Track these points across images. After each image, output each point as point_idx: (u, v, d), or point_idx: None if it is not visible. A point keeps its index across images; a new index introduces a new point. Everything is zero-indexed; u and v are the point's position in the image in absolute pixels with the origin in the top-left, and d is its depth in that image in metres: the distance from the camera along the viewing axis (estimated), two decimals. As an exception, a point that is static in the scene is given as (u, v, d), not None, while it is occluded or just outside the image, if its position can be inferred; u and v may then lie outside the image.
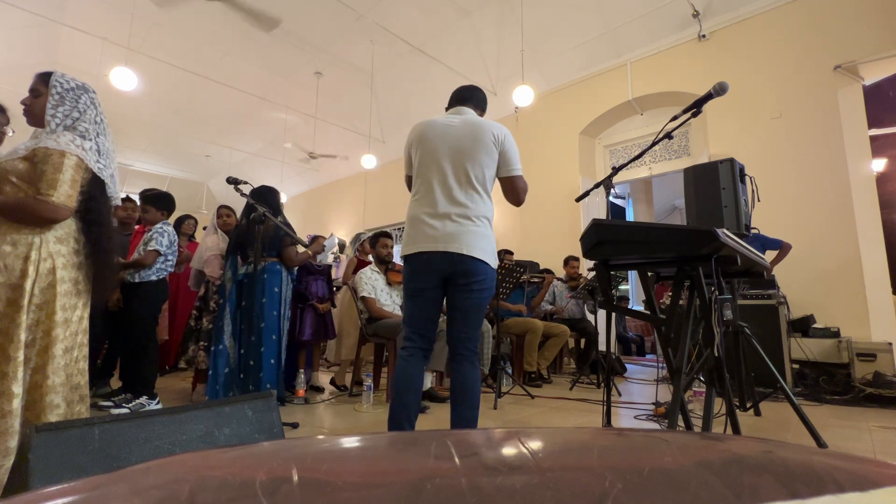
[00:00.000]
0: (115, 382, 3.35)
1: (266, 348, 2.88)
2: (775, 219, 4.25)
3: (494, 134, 1.74)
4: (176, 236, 3.08)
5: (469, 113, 1.84)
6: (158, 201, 3.09)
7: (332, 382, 3.87)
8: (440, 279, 1.69)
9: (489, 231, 1.74)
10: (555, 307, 4.88)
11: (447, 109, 1.91)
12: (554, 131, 6.39)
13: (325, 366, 4.99)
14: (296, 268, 3.33)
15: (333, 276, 4.20)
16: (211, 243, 3.25)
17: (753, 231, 3.67)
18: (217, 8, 5.34)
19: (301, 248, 3.03)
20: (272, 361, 2.91)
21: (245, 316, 2.91)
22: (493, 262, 1.75)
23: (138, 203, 3.34)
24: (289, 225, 2.91)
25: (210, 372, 2.90)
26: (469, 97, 1.90)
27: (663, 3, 4.98)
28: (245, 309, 2.93)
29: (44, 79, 1.56)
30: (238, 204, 3.14)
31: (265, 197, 2.97)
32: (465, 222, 1.68)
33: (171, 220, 3.24)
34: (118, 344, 3.33)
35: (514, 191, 1.80)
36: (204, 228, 3.56)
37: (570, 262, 5.00)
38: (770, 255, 3.93)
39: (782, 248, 3.86)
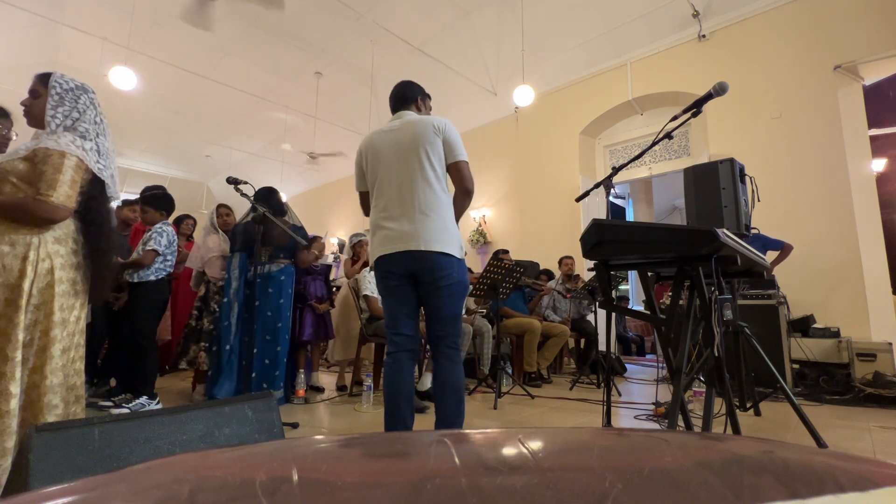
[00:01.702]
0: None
1: (282, 348, 2.99)
2: (775, 219, 4.25)
3: (434, 125, 1.74)
4: (175, 236, 3.08)
5: (409, 115, 1.84)
6: (157, 202, 3.09)
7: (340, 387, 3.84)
8: (407, 276, 1.70)
9: (447, 223, 1.71)
10: (562, 321, 4.76)
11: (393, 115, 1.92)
12: (554, 131, 6.39)
13: (325, 366, 4.98)
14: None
15: (332, 277, 4.21)
16: (212, 244, 3.25)
17: (754, 231, 3.67)
18: (218, 7, 5.34)
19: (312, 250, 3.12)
20: (285, 360, 3.02)
21: (259, 315, 2.96)
22: (458, 253, 1.72)
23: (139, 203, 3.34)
24: (300, 227, 2.95)
25: (210, 373, 2.91)
26: (406, 96, 1.89)
27: (663, 3, 4.98)
28: (259, 309, 2.97)
29: (43, 80, 1.56)
30: (238, 204, 3.15)
31: (267, 198, 3.01)
32: (420, 218, 1.67)
33: (170, 219, 3.24)
34: (118, 344, 3.32)
35: (460, 177, 1.76)
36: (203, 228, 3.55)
37: (563, 260, 5.01)
38: (771, 256, 3.93)
39: (784, 248, 3.86)
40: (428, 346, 3.45)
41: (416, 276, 1.69)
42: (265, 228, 2.91)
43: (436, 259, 1.66)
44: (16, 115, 1.82)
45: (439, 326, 1.71)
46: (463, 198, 1.79)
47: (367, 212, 1.90)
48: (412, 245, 1.65)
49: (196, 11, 5.06)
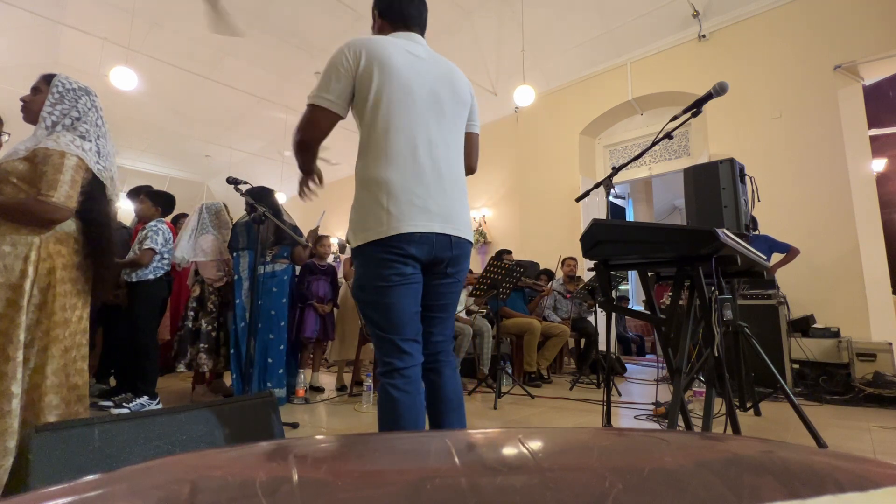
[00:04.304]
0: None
1: (284, 346, 3.03)
2: (775, 219, 4.25)
3: (469, 86, 1.43)
4: (171, 234, 3.06)
5: (425, 44, 1.38)
6: (157, 197, 3.10)
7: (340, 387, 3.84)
8: (424, 265, 1.29)
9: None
10: (563, 321, 4.79)
11: (388, 20, 1.38)
12: (554, 131, 6.39)
13: (325, 366, 4.98)
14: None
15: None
16: (206, 244, 3.21)
17: (755, 233, 3.67)
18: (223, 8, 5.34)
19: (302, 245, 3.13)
20: (285, 359, 3.05)
21: (263, 314, 2.99)
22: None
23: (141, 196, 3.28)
24: (295, 227, 2.96)
25: (235, 375, 2.91)
26: (421, 19, 1.39)
27: (663, 3, 4.98)
28: (263, 308, 3.01)
29: (47, 78, 1.58)
30: (238, 204, 3.14)
31: (265, 198, 3.01)
32: (458, 194, 1.32)
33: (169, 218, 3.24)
34: (117, 343, 3.32)
35: (475, 151, 1.47)
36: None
37: (566, 261, 5.01)
38: (777, 258, 3.92)
39: (790, 251, 3.84)
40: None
41: (433, 267, 1.30)
42: (277, 229, 2.92)
43: (466, 248, 1.34)
44: (8, 117, 1.82)
45: (447, 329, 1.40)
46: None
47: (318, 138, 1.29)
48: (451, 229, 1.27)
49: (215, 17, 5.09)
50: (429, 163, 1.25)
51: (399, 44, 1.28)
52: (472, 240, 1.40)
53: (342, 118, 1.28)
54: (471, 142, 1.45)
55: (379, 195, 1.22)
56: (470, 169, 1.48)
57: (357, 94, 1.25)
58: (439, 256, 1.28)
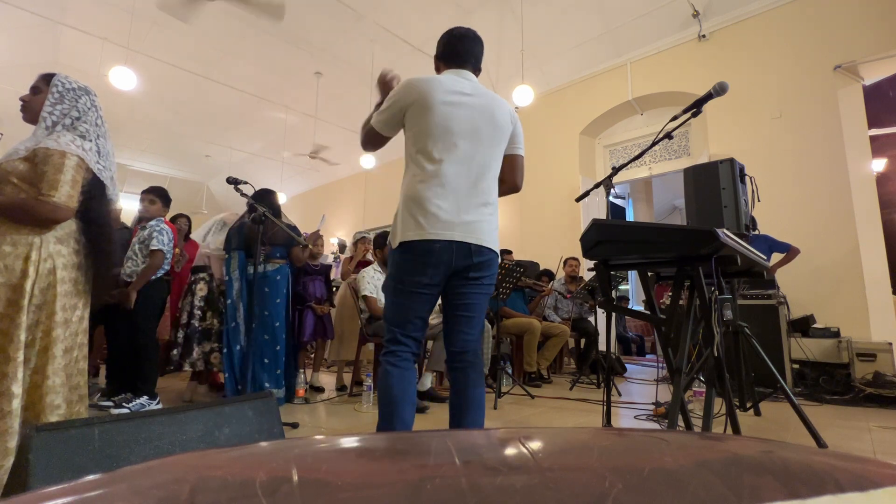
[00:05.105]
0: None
1: (281, 347, 3.01)
2: (775, 219, 4.25)
3: (511, 112, 1.60)
4: (172, 233, 3.07)
5: (474, 80, 1.59)
6: (164, 198, 3.13)
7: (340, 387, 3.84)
8: (446, 275, 1.46)
9: (498, 220, 1.58)
10: (563, 321, 4.80)
11: (443, 60, 1.63)
12: (554, 131, 6.39)
13: (325, 366, 4.98)
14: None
15: (332, 276, 4.20)
16: (218, 244, 3.23)
17: (755, 233, 3.67)
18: (218, 7, 5.34)
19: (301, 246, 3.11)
20: (283, 359, 3.03)
21: (257, 315, 2.97)
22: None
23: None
24: (293, 227, 2.95)
25: (227, 375, 2.90)
26: (471, 56, 1.60)
27: (663, 3, 4.98)
28: (257, 308, 2.97)
29: (46, 78, 1.57)
30: (238, 204, 3.14)
31: (265, 199, 3.01)
32: (484, 210, 1.48)
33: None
34: (117, 344, 3.31)
35: (518, 171, 1.62)
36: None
37: (568, 261, 5.01)
38: (777, 258, 3.92)
39: (790, 251, 3.84)
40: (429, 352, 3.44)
41: (459, 273, 1.46)
42: (265, 228, 2.91)
43: (490, 255, 1.49)
44: (6, 116, 1.82)
45: (475, 327, 1.52)
46: (507, 193, 1.65)
47: (370, 147, 1.64)
48: (473, 238, 1.44)
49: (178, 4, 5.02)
50: (457, 182, 1.45)
51: (444, 81, 1.50)
52: (496, 248, 1.53)
53: (388, 138, 1.58)
54: (512, 162, 1.62)
55: (413, 209, 1.44)
56: (513, 187, 1.64)
57: (405, 123, 1.52)
58: (461, 263, 1.44)
